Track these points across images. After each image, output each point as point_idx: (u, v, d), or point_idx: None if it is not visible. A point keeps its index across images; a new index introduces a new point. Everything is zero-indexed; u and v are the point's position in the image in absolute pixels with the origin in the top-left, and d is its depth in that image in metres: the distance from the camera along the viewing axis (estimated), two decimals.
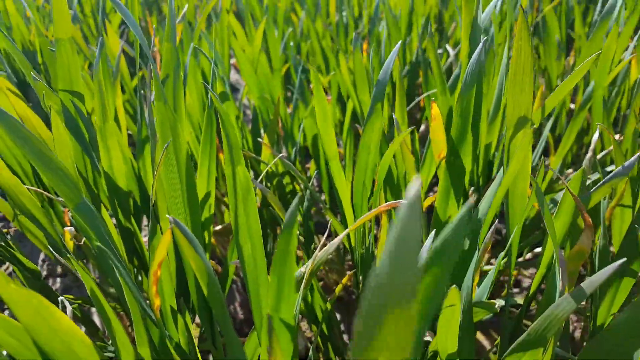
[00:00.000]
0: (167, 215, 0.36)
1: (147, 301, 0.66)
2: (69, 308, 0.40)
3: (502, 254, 0.47)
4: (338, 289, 0.73)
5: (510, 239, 0.48)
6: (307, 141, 1.01)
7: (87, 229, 0.41)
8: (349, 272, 0.75)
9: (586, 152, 1.16)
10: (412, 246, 0.14)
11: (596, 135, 0.75)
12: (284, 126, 1.04)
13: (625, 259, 0.37)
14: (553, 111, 1.14)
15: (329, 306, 0.69)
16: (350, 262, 0.99)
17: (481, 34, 0.55)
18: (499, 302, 0.40)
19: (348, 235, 0.78)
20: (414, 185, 0.15)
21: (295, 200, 0.30)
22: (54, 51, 0.61)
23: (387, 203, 0.42)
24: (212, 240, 0.91)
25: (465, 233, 0.22)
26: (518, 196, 0.52)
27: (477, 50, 0.48)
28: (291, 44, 1.27)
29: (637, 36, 0.98)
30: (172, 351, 0.39)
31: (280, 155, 0.76)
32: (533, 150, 1.05)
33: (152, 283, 0.36)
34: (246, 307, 0.93)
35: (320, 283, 0.97)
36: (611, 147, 0.90)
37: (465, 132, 0.53)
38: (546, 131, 0.95)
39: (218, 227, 0.97)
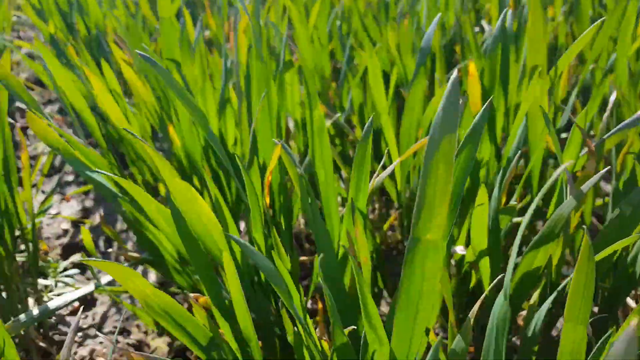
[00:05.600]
0: (273, 139, 0.51)
1: None
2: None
3: (526, 172, 0.60)
4: (386, 225, 0.87)
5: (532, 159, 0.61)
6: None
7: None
8: (394, 213, 0.88)
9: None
10: (453, 109, 0.28)
11: (614, 96, 0.86)
12: (332, 96, 1.18)
13: None
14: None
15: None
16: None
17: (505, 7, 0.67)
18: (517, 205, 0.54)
19: (396, 186, 0.91)
20: (454, 74, 0.29)
21: (369, 122, 0.44)
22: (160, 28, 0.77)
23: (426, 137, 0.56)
24: None
25: (485, 122, 0.36)
26: (535, 130, 0.65)
27: (500, 17, 0.61)
28: (338, 22, 1.40)
29: None
30: (275, 234, 0.53)
31: (335, 116, 0.90)
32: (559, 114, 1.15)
33: (265, 185, 0.51)
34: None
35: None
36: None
37: (493, 86, 0.66)
38: (572, 98, 1.06)
39: None
